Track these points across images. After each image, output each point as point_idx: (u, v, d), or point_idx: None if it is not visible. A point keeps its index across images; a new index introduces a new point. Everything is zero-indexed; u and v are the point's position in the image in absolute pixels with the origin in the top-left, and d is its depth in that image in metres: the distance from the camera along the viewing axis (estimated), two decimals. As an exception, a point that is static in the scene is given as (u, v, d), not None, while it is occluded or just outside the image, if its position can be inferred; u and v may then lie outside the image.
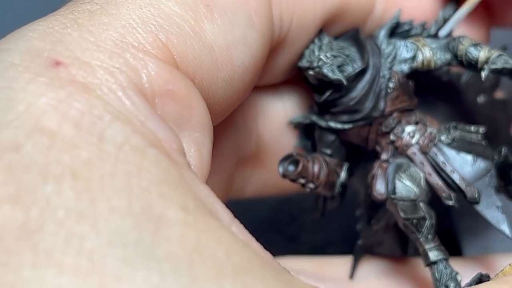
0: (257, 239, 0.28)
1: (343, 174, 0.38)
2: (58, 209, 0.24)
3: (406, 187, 0.36)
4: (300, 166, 0.36)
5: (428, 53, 0.37)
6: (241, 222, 0.28)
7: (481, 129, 0.37)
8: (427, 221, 0.35)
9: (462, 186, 0.36)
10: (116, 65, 0.28)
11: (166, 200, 0.25)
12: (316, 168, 0.37)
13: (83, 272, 0.23)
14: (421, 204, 0.36)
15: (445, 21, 0.38)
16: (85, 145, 0.25)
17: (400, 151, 0.37)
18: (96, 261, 0.23)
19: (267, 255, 0.27)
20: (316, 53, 0.35)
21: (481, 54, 0.36)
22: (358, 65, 0.36)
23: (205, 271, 0.24)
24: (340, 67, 0.35)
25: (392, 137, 0.37)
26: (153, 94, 0.29)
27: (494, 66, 0.35)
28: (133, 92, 0.28)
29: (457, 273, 0.34)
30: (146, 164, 0.26)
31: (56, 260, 0.23)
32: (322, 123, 0.37)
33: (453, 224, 0.44)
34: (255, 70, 0.33)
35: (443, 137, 0.37)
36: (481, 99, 0.40)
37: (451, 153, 0.36)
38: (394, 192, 0.36)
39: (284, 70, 0.37)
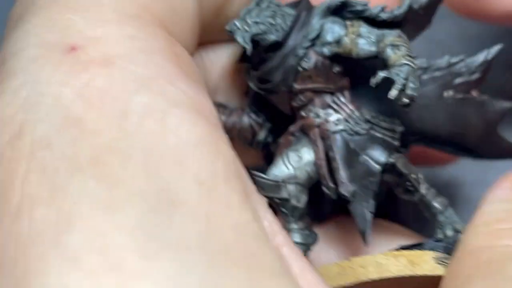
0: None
1: (262, 133, 0.39)
2: (83, 205, 0.24)
3: (281, 166, 0.36)
4: None
5: (350, 41, 0.36)
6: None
7: (399, 129, 0.37)
8: (290, 203, 0.36)
9: (340, 180, 0.36)
10: (130, 33, 0.28)
11: (183, 172, 0.25)
12: (231, 120, 0.38)
13: (102, 271, 0.23)
14: (290, 186, 0.36)
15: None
16: (108, 128, 0.26)
17: (304, 128, 0.37)
18: (115, 258, 0.23)
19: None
20: (241, 15, 0.36)
21: (393, 56, 0.35)
22: (273, 37, 0.36)
23: (221, 258, 0.24)
24: (260, 35, 0.36)
25: (302, 113, 0.37)
26: (172, 56, 0.29)
27: (387, 74, 0.34)
28: (155, 55, 0.28)
29: None
30: (167, 132, 0.26)
31: (80, 263, 0.23)
32: (250, 83, 0.38)
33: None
34: (200, 16, 0.34)
35: (348, 126, 0.37)
36: (448, 93, 0.39)
37: (346, 145, 0.36)
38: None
39: None
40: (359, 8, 0.36)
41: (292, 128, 0.38)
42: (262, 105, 0.39)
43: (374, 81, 0.34)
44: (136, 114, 0.26)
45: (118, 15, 0.29)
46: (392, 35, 0.35)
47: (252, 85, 0.37)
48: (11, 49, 0.29)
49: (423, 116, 0.38)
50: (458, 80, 0.39)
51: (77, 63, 0.27)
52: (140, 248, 0.24)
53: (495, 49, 0.39)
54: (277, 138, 0.38)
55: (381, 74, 0.34)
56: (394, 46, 0.35)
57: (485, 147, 0.40)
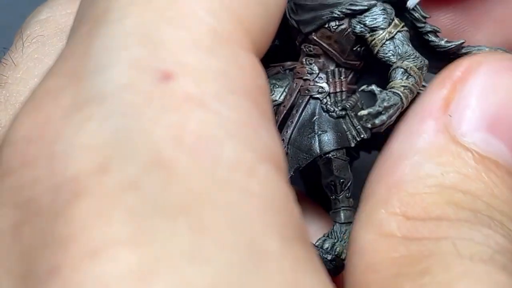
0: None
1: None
2: (172, 253, 0.23)
3: None
4: None
5: (380, 38, 0.36)
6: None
7: (365, 136, 0.37)
8: None
9: (281, 135, 0.37)
10: (221, 68, 0.27)
11: (270, 230, 0.25)
12: None
13: None
14: None
15: None
16: (200, 175, 0.25)
17: (294, 72, 0.38)
18: None
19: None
20: None
21: (397, 81, 0.35)
22: None
23: None
24: None
25: (303, 59, 0.37)
26: (257, 95, 0.28)
27: (376, 91, 0.34)
28: (244, 98, 0.27)
29: None
30: (255, 187, 0.25)
31: None
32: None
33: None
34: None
35: (325, 100, 0.37)
36: None
37: (311, 115, 0.37)
38: None
39: None
40: (417, 16, 0.36)
41: (287, 63, 0.38)
42: (283, 22, 0.38)
43: (362, 88, 0.35)
44: (226, 165, 0.25)
45: (212, 39, 0.27)
46: (416, 62, 0.35)
47: (288, 9, 0.37)
48: (97, 54, 0.27)
49: None
50: None
51: (170, 96, 0.26)
52: None
53: None
54: (273, 56, 0.39)
55: (373, 89, 0.34)
56: (407, 73, 0.35)
57: None
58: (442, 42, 0.36)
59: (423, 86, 0.37)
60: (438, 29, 0.36)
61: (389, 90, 0.34)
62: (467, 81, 0.32)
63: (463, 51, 0.36)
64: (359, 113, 0.34)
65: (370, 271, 0.30)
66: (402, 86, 0.34)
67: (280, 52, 0.39)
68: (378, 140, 0.38)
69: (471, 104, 0.31)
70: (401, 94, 0.34)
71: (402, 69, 0.35)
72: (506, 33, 0.38)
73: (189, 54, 0.26)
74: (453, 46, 0.36)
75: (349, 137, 0.37)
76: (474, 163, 0.31)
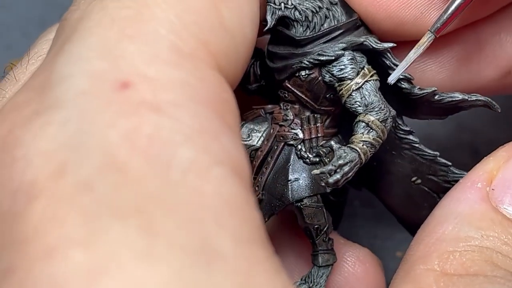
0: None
1: (254, 86, 0.39)
2: (123, 252, 0.24)
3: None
4: None
5: (347, 89, 0.36)
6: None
7: (330, 186, 0.36)
8: None
9: (257, 182, 0.37)
10: (183, 78, 0.28)
11: (224, 231, 0.25)
12: None
13: None
14: None
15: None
16: (153, 177, 0.25)
17: (272, 117, 0.38)
18: None
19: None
20: None
21: (358, 135, 0.35)
22: (301, 30, 0.36)
23: None
24: (292, 21, 0.36)
25: (281, 104, 0.38)
26: (219, 106, 0.28)
27: (334, 147, 0.35)
28: (203, 106, 0.28)
29: None
30: (209, 189, 0.26)
31: None
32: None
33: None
34: (256, 37, 0.33)
35: (300, 147, 0.37)
36: (417, 180, 0.40)
37: (285, 161, 0.37)
38: None
39: None
40: (388, 63, 0.36)
41: (268, 106, 0.39)
42: (266, 68, 0.39)
43: (321, 143, 0.36)
44: (181, 167, 0.26)
45: (173, 54, 0.28)
46: (378, 116, 0.36)
47: (265, 50, 0.38)
48: (61, 68, 0.28)
49: (383, 179, 0.39)
50: (431, 178, 0.39)
51: (127, 103, 0.26)
52: None
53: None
54: (262, 95, 0.40)
55: (331, 144, 0.35)
56: (368, 126, 0.35)
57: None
58: (415, 90, 0.36)
59: (401, 130, 0.38)
60: (411, 77, 0.36)
61: (348, 146, 0.35)
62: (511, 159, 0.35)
63: (436, 98, 0.36)
64: (312, 172, 0.35)
65: None
66: (362, 141, 0.35)
67: (266, 91, 0.39)
68: (366, 176, 0.39)
69: None
70: (359, 150, 0.35)
71: (364, 123, 0.35)
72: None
73: (148, 66, 0.27)
74: (425, 93, 0.36)
75: (321, 182, 0.36)
76: None
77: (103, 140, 0.26)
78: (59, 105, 0.27)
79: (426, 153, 0.39)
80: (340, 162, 0.34)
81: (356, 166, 0.34)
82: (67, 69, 0.28)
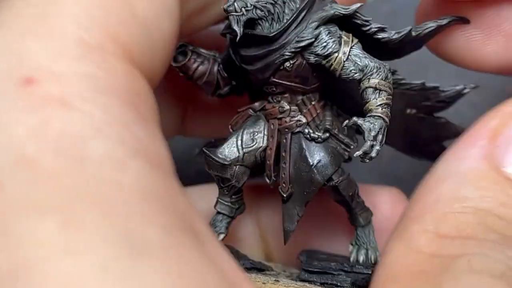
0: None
1: (225, 89, 0.40)
2: (42, 250, 0.23)
3: (232, 148, 0.38)
4: (185, 61, 0.38)
5: (337, 62, 0.36)
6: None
7: (352, 145, 0.38)
8: (230, 183, 0.38)
9: (281, 179, 0.38)
10: (89, 71, 0.27)
11: (148, 221, 0.25)
12: (200, 69, 0.39)
13: None
14: (235, 168, 0.38)
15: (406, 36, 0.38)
16: (66, 172, 0.25)
17: (266, 114, 0.39)
18: None
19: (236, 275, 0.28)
20: None
21: (372, 101, 0.36)
22: (275, 28, 0.36)
23: None
24: (257, 20, 0.36)
25: (269, 98, 0.38)
26: (131, 97, 0.28)
27: (359, 123, 0.35)
28: (114, 98, 0.27)
29: (221, 233, 0.39)
30: (127, 180, 0.25)
31: None
32: (230, 50, 0.38)
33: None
34: (178, 31, 0.33)
35: (307, 130, 0.38)
36: (410, 111, 0.41)
37: (300, 148, 0.38)
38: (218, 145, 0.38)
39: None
40: (360, 22, 0.37)
41: (255, 104, 0.39)
42: (233, 67, 0.39)
43: (345, 124, 0.36)
44: (94, 160, 0.25)
45: (80, 48, 0.28)
46: (379, 76, 0.36)
47: (233, 56, 0.37)
48: None
49: None
50: (425, 103, 0.40)
51: (32, 99, 0.26)
52: None
53: (471, 87, 0.40)
54: (236, 94, 0.40)
55: (355, 121, 0.35)
56: (377, 90, 0.36)
57: (427, 153, 0.43)
58: (393, 36, 0.37)
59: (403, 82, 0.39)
60: (384, 26, 0.37)
61: (369, 115, 0.36)
62: None
63: (414, 34, 0.37)
64: (355, 155, 0.35)
65: (389, 282, 0.31)
66: (379, 105, 0.36)
67: (237, 89, 0.40)
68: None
69: None
70: (381, 115, 0.36)
71: (371, 88, 0.36)
72: None
73: (54, 61, 0.27)
74: (403, 35, 0.37)
75: (340, 152, 0.38)
76: None
77: (10, 137, 0.25)
78: None
79: (414, 84, 0.40)
80: (373, 133, 0.35)
81: (385, 130, 0.36)
82: None
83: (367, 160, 0.35)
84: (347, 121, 0.36)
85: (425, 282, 0.30)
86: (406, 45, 0.38)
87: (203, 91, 0.42)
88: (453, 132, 0.42)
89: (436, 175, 0.33)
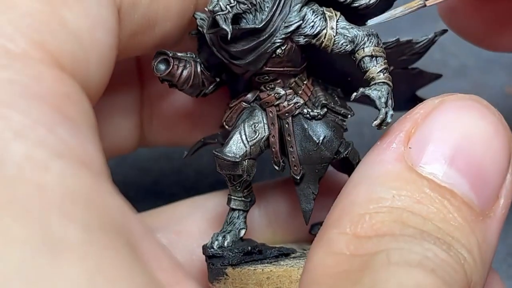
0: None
1: (211, 88, 0.40)
2: None
3: (239, 143, 0.38)
4: (169, 69, 0.38)
5: (328, 38, 0.37)
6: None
7: (349, 114, 0.39)
8: (242, 178, 0.39)
9: (291, 163, 0.38)
10: (11, 77, 0.28)
11: (68, 220, 0.25)
12: (185, 73, 0.38)
13: None
14: (246, 162, 0.38)
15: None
16: None
17: (262, 103, 0.39)
18: None
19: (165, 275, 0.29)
20: None
21: (372, 69, 0.36)
22: (258, 18, 0.36)
23: None
24: (241, 14, 0.36)
25: (262, 87, 0.38)
26: (56, 100, 0.28)
27: (367, 93, 0.36)
28: (37, 102, 0.28)
29: (242, 229, 0.39)
30: (49, 181, 0.26)
31: None
32: (213, 48, 0.38)
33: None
34: (116, 43, 0.34)
35: (305, 110, 0.38)
36: (389, 69, 0.40)
37: (303, 129, 0.38)
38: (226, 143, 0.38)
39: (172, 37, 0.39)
40: None
41: (248, 96, 0.39)
42: (215, 63, 0.39)
43: (354, 96, 0.36)
44: (15, 163, 0.26)
45: (2, 55, 0.28)
46: (372, 44, 0.37)
47: (218, 54, 0.37)
48: None
49: (362, 86, 0.38)
50: (401, 58, 0.41)
51: None
52: None
53: (440, 32, 0.40)
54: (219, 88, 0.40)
55: (364, 92, 0.36)
56: (373, 57, 0.37)
57: (404, 104, 0.42)
58: (370, 1, 0.37)
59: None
60: None
61: (374, 83, 0.36)
62: (429, 117, 0.34)
63: None
64: (373, 125, 0.36)
65: (313, 285, 0.31)
66: (379, 71, 0.36)
67: (220, 86, 0.40)
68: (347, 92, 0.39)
69: (433, 137, 0.34)
70: (385, 80, 0.36)
71: (367, 57, 0.37)
72: None
73: None
74: None
75: (340, 123, 0.39)
76: (428, 190, 0.33)
77: None
78: None
79: (389, 43, 0.40)
80: (383, 100, 0.36)
81: (392, 94, 0.36)
82: None
83: (384, 127, 0.36)
84: (355, 93, 0.36)
85: (346, 280, 0.30)
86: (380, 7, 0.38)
87: (158, 99, 0.42)
88: (427, 79, 0.43)
89: (352, 181, 0.34)
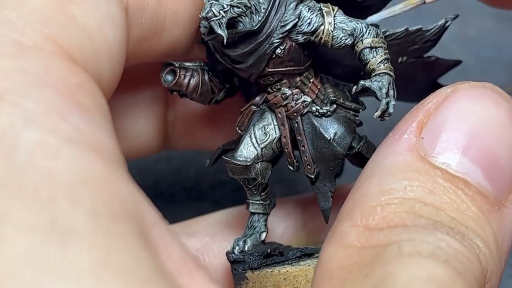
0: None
1: (221, 95, 0.40)
2: None
3: (249, 147, 0.38)
4: (176, 79, 0.38)
5: (326, 33, 0.37)
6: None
7: (361, 109, 0.39)
8: (256, 181, 0.39)
9: (305, 162, 0.38)
10: (23, 67, 0.28)
11: (77, 207, 0.26)
12: (192, 82, 0.38)
13: None
14: (257, 166, 0.38)
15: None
16: None
17: (270, 104, 0.39)
18: None
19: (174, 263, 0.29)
20: (213, 1, 0.36)
21: (372, 60, 0.36)
22: (255, 20, 0.36)
23: (113, 285, 0.25)
24: (236, 18, 0.36)
25: (269, 89, 0.38)
26: (68, 89, 0.29)
27: (367, 85, 0.36)
28: (49, 90, 0.28)
29: (263, 232, 0.39)
30: (59, 168, 0.26)
31: None
32: (217, 55, 0.38)
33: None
34: (125, 40, 0.34)
35: (314, 108, 0.38)
36: (402, 59, 0.41)
37: (313, 128, 0.38)
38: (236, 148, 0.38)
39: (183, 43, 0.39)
40: None
41: (256, 99, 0.39)
42: (223, 71, 0.39)
43: (354, 89, 0.36)
44: (26, 150, 0.26)
45: (14, 48, 0.29)
46: (371, 35, 0.37)
47: (221, 60, 0.37)
48: None
49: None
50: (412, 47, 0.40)
51: None
52: (33, 279, 0.24)
53: (451, 18, 0.40)
54: (232, 95, 0.40)
55: (364, 84, 0.36)
56: (373, 48, 0.37)
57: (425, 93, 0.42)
58: None
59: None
60: None
61: (374, 74, 0.36)
62: (441, 106, 0.34)
63: None
64: (374, 116, 0.35)
65: (326, 279, 0.31)
66: (380, 62, 0.36)
67: (231, 91, 0.40)
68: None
69: (446, 127, 0.33)
70: (386, 71, 0.36)
71: (367, 49, 0.37)
72: None
73: None
74: None
75: (351, 118, 0.38)
76: (441, 180, 0.32)
77: None
78: None
79: (398, 33, 0.40)
80: (384, 91, 0.36)
81: (393, 84, 0.36)
82: None
83: (387, 118, 0.36)
84: (355, 86, 0.36)
85: (358, 273, 0.30)
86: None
87: (182, 103, 0.42)
88: (446, 67, 0.42)
89: (365, 173, 0.34)
